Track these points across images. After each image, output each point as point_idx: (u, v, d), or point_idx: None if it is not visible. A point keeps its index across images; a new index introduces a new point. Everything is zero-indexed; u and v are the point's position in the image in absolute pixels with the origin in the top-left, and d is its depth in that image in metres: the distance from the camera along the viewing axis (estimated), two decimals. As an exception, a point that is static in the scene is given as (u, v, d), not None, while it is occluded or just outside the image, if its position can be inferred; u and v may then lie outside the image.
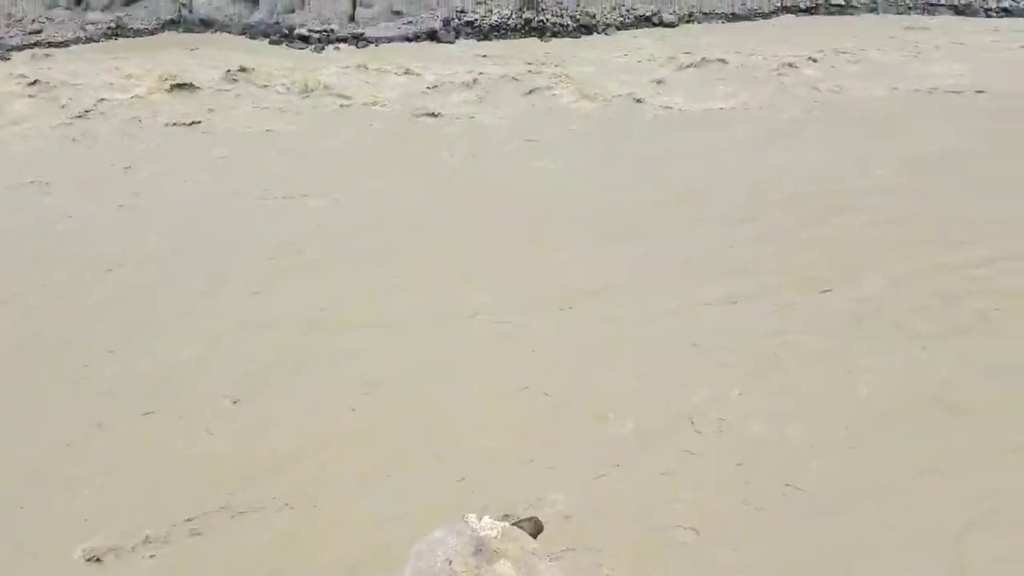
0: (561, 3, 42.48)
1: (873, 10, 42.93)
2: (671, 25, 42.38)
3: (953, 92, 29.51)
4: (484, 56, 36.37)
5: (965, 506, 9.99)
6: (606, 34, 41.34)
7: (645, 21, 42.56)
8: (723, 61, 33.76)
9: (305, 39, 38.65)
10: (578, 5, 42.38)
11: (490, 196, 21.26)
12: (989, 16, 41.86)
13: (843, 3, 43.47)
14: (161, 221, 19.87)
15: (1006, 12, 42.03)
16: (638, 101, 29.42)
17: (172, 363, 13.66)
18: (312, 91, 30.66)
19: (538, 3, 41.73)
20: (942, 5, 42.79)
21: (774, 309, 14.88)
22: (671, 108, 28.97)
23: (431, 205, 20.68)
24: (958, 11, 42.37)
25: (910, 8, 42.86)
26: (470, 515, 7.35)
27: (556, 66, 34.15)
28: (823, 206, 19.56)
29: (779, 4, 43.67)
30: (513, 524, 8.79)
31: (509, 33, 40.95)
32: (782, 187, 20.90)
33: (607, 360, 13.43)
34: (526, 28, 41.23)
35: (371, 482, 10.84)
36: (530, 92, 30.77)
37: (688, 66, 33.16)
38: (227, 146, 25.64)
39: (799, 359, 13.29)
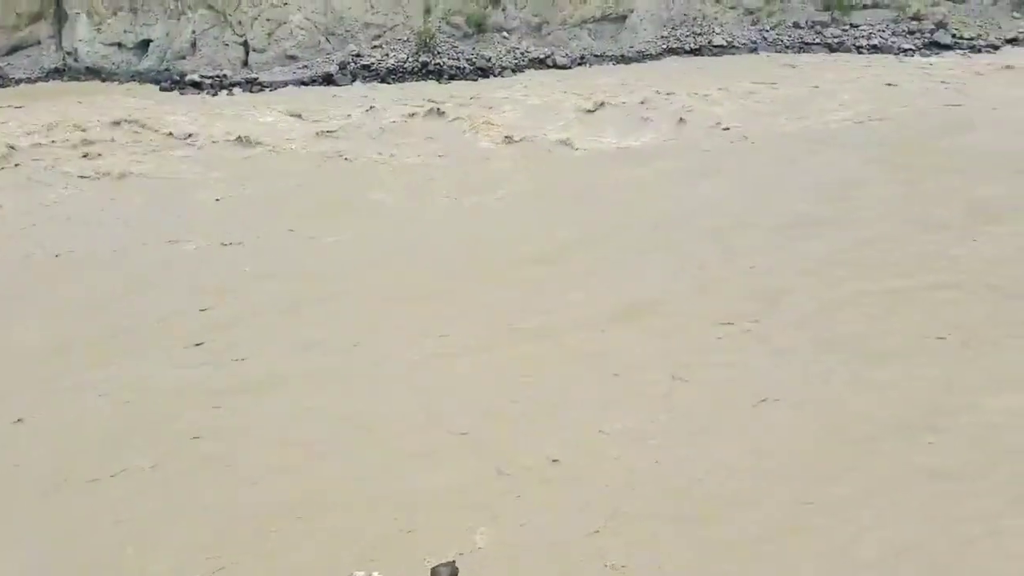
0: (456, 47, 42.65)
1: (753, 50, 44.94)
2: (564, 67, 43.09)
3: (853, 123, 31.19)
4: (383, 98, 36.01)
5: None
6: (502, 76, 41.61)
7: (539, 63, 43.16)
8: (626, 102, 34.56)
9: (197, 85, 37.36)
10: (474, 49, 42.63)
11: (429, 234, 20.86)
12: (860, 52, 44.58)
13: (725, 44, 45.37)
14: (73, 271, 18.51)
15: (875, 49, 44.89)
16: (561, 141, 29.70)
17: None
18: (213, 137, 29.40)
19: (434, 46, 41.69)
20: (816, 44, 45.25)
21: (695, 336, 15.22)
22: (583, 148, 29.35)
23: (369, 247, 20.10)
24: (832, 49, 44.87)
25: (787, 47, 45.13)
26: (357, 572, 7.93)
27: (462, 106, 34.09)
28: (741, 235, 20.21)
29: (665, 46, 45.11)
30: (432, 568, 9.37)
31: (406, 76, 40.80)
32: (699, 218, 21.46)
33: (525, 396, 13.58)
34: (423, 71, 41.17)
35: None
36: (433, 135, 30.61)
37: (599, 105, 33.78)
38: (133, 193, 24.22)
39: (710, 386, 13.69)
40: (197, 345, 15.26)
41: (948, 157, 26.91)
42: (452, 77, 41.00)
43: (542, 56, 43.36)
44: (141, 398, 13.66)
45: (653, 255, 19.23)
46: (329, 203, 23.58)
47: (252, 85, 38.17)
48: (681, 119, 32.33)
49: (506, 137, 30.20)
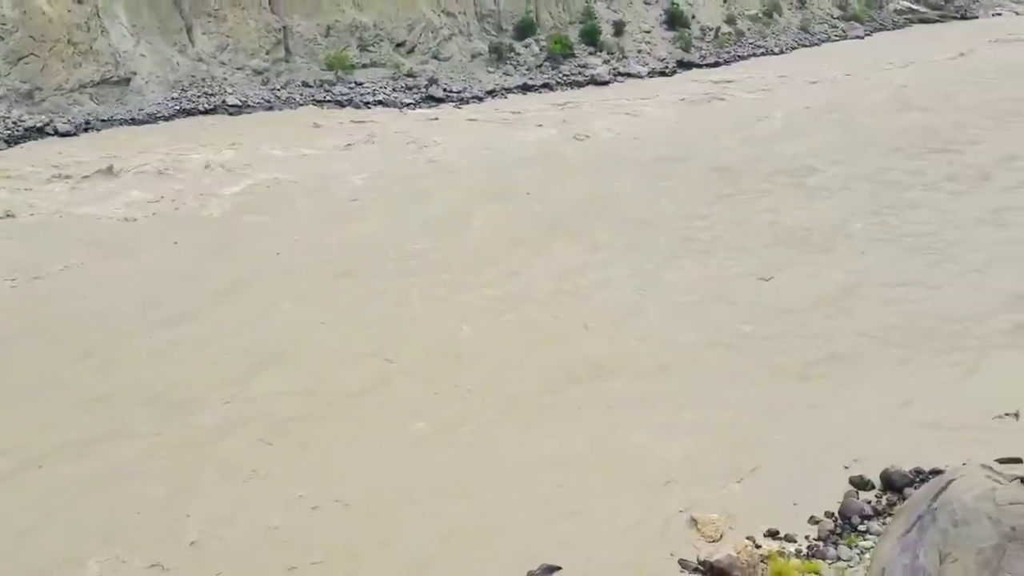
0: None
1: (269, 108, 46.29)
2: (68, 134, 40.57)
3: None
4: None
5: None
6: (-7, 148, 37.94)
7: (38, 132, 40.15)
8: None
9: None
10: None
11: None
12: (369, 107, 48.16)
13: (240, 103, 46.08)
14: None
15: (381, 103, 48.90)
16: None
17: None
18: None
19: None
20: (328, 100, 48.10)
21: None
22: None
23: None
24: (342, 105, 47.85)
25: (300, 104, 47.28)
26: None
27: None
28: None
29: (178, 107, 44.63)
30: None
31: None
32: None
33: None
34: None
35: None
36: None
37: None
38: None
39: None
40: None
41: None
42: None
43: (39, 124, 40.35)
44: None
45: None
46: None
47: None
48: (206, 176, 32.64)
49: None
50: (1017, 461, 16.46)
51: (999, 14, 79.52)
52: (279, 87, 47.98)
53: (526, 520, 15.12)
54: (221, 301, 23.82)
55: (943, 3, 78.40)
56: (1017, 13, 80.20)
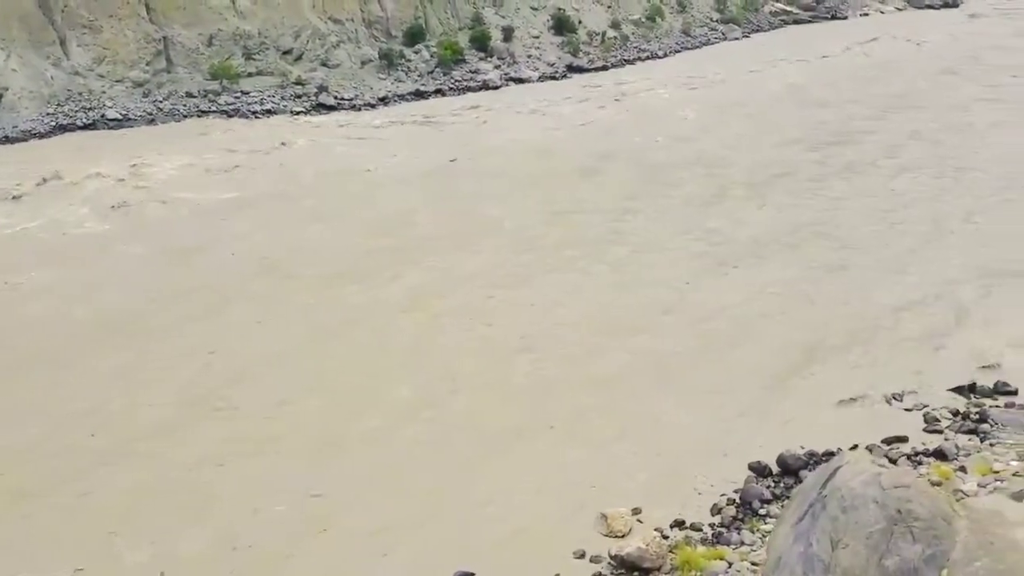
0: None
1: (151, 121, 44.65)
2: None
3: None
4: None
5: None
6: None
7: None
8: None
9: None
10: None
11: None
12: (257, 117, 47.09)
13: (120, 117, 44.31)
14: None
15: (270, 112, 47.86)
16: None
17: None
18: None
19: None
20: (213, 111, 46.70)
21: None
22: None
23: None
24: (229, 115, 46.65)
25: (185, 116, 45.82)
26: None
27: None
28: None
29: (54, 123, 42.69)
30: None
31: None
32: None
33: None
34: None
35: None
36: None
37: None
38: None
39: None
40: None
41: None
42: None
43: None
44: None
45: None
46: None
47: None
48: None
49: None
50: (902, 440, 17.47)
51: (866, 14, 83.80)
52: (161, 99, 46.45)
53: (437, 527, 15.11)
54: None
55: (815, 4, 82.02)
56: (882, 12, 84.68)
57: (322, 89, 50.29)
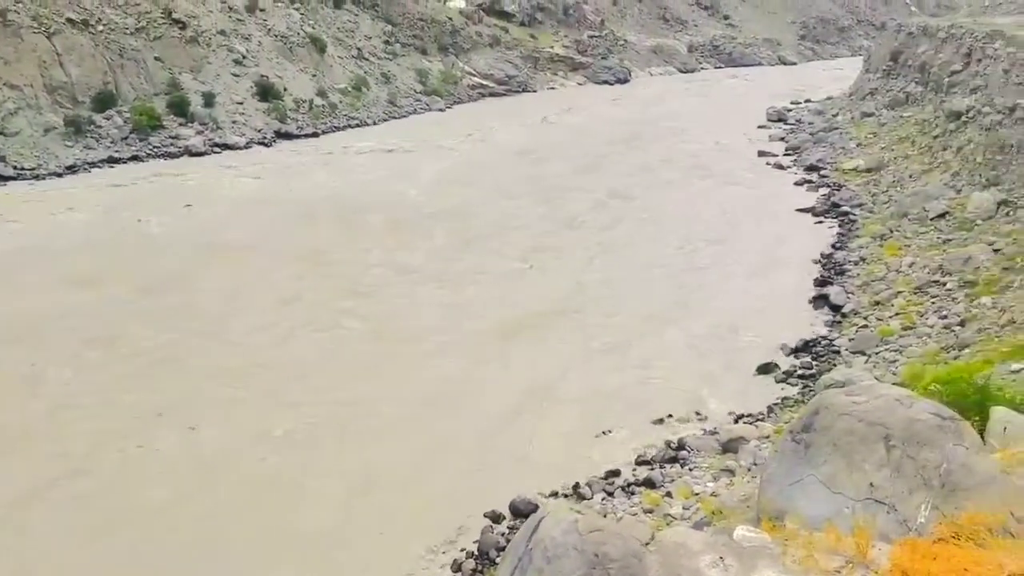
0: None
1: None
2: None
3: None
4: None
5: None
6: None
7: None
8: None
9: None
10: None
11: None
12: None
13: None
14: None
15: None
16: None
17: None
18: None
19: None
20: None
21: None
22: None
23: None
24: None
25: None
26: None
27: None
28: None
29: None
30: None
31: None
32: None
33: None
34: None
35: None
36: None
37: None
38: None
39: None
40: None
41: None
42: None
43: None
44: None
45: None
46: None
47: None
48: None
49: None
50: (615, 474, 18.99)
51: (553, 88, 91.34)
52: None
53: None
54: None
55: (508, 79, 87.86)
56: (564, 86, 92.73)
57: (-1, 159, 45.42)
